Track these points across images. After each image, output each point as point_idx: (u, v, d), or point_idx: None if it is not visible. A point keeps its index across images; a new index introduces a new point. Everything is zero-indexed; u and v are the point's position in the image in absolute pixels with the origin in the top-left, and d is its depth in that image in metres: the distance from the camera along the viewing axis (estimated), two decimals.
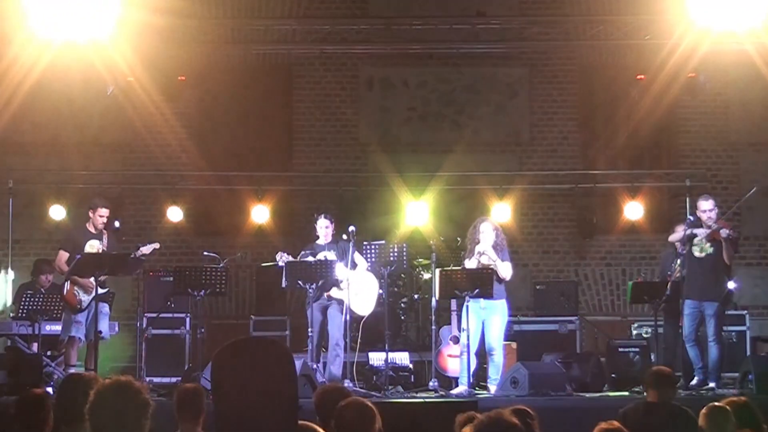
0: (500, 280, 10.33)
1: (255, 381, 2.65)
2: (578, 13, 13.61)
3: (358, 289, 10.58)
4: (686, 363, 10.69)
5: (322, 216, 10.91)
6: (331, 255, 10.54)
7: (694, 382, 10.39)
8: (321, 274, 10.25)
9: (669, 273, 11.16)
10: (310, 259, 10.52)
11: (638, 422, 4.95)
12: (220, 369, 2.72)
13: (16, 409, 5.40)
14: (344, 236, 10.69)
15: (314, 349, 10.28)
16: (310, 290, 10.21)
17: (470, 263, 10.39)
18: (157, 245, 11.01)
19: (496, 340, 10.34)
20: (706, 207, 10.48)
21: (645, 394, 7.14)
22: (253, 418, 2.65)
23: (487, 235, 10.43)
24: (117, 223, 10.78)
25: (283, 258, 10.45)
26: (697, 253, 10.46)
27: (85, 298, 10.44)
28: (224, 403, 2.67)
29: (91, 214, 10.73)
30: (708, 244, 10.42)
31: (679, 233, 10.74)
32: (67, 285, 10.51)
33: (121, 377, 3.63)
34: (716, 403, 5.92)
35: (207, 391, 7.09)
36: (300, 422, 3.07)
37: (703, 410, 5.85)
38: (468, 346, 10.09)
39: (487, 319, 10.32)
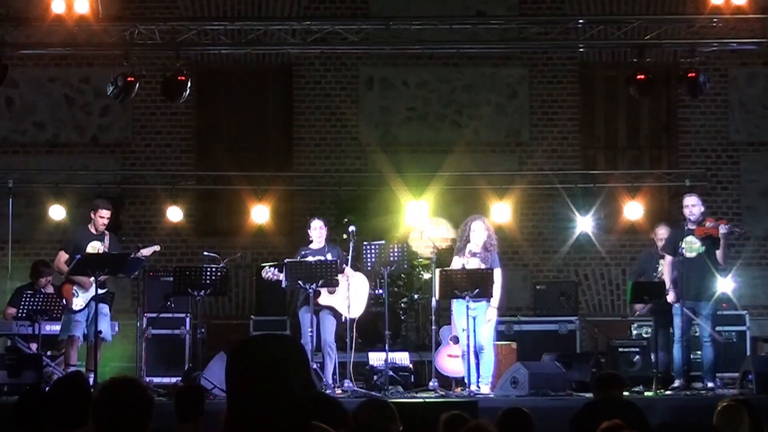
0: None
1: (270, 378, 2.65)
2: (578, 13, 13.61)
3: (346, 292, 10.49)
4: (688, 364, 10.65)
5: (315, 218, 10.94)
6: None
7: (675, 384, 10.32)
8: (321, 274, 10.23)
9: (655, 274, 11.15)
10: (311, 259, 10.51)
11: (585, 421, 4.96)
12: (235, 367, 2.71)
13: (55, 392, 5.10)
14: (344, 235, 10.67)
15: (312, 349, 10.27)
16: (311, 290, 10.20)
17: (458, 262, 10.38)
18: (157, 247, 11.02)
19: (485, 339, 10.32)
20: (689, 202, 10.51)
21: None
22: (268, 417, 2.64)
23: (478, 234, 10.40)
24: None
25: (269, 274, 10.45)
26: (687, 254, 10.41)
27: (83, 297, 10.43)
28: (238, 401, 2.67)
29: (92, 215, 10.74)
30: (698, 244, 10.39)
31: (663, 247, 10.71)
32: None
33: (127, 375, 3.66)
34: (731, 402, 5.88)
35: (207, 391, 7.10)
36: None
37: (718, 408, 5.81)
38: (468, 346, 10.10)
39: (476, 318, 10.31)
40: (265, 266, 10.75)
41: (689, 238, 10.42)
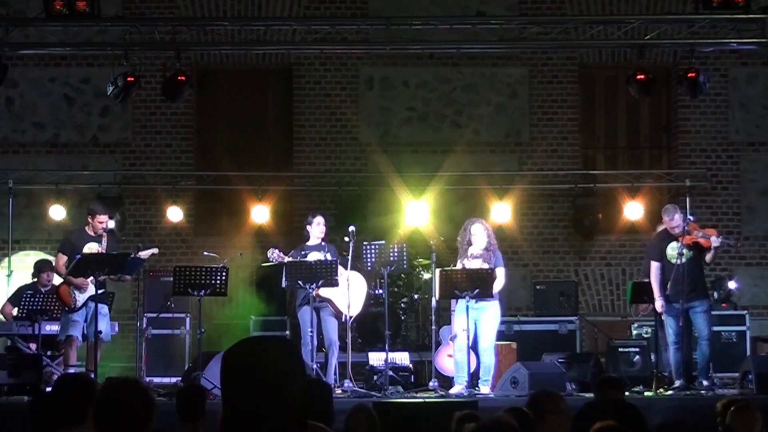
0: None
1: (265, 380, 2.65)
2: (578, 13, 13.62)
3: (344, 289, 10.44)
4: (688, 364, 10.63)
5: (318, 214, 10.91)
6: (320, 256, 10.50)
7: (676, 385, 10.26)
8: (321, 274, 10.22)
9: None
10: (310, 259, 10.50)
11: (586, 421, 4.97)
12: (229, 369, 2.70)
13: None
14: (346, 238, 10.68)
15: (313, 349, 10.26)
16: (311, 290, 10.19)
17: (461, 265, 10.36)
18: (155, 251, 10.99)
19: (486, 341, 10.31)
20: (666, 218, 10.39)
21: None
22: (263, 418, 2.64)
23: (478, 237, 10.38)
24: (112, 223, 10.83)
25: (274, 255, 10.44)
26: (674, 261, 10.28)
27: (80, 298, 10.43)
28: (233, 403, 2.67)
29: (90, 220, 10.72)
30: (686, 249, 10.30)
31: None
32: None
33: (128, 375, 3.66)
34: (743, 402, 5.86)
35: (207, 391, 7.09)
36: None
37: (732, 408, 5.76)
38: (468, 346, 10.09)
39: (479, 320, 10.30)
40: (265, 264, 10.74)
41: (674, 245, 10.35)
